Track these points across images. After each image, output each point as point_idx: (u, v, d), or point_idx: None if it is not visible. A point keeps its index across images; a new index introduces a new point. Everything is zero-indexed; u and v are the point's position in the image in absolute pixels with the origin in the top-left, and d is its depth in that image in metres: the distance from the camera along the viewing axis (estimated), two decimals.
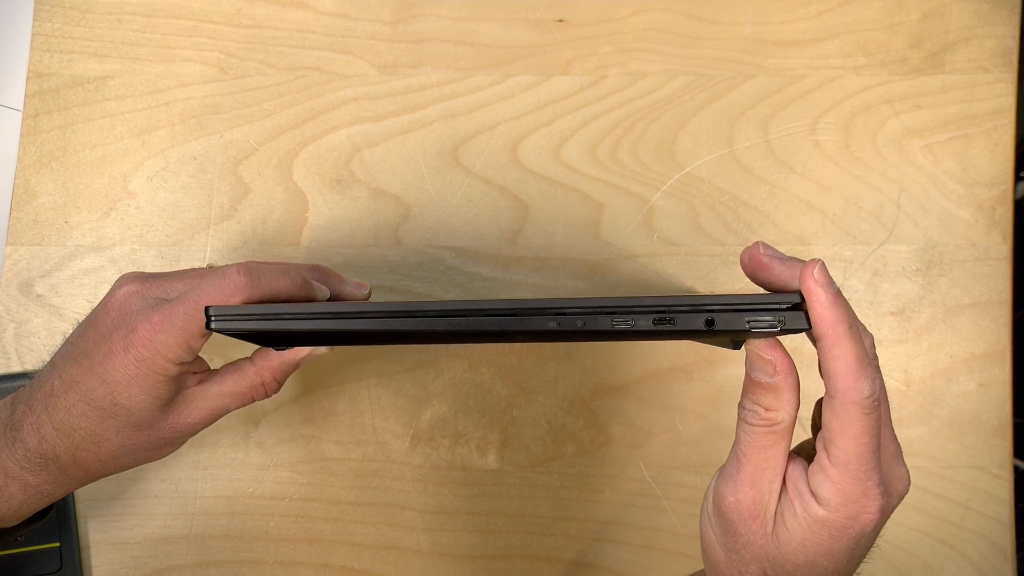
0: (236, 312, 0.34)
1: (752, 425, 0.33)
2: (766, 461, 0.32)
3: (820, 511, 0.31)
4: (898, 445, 0.33)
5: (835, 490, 0.31)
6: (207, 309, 0.34)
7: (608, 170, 0.53)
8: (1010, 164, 0.54)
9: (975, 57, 0.54)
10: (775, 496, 0.33)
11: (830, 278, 0.30)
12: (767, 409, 0.32)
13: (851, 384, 0.29)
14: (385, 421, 0.52)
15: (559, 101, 0.54)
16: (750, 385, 0.33)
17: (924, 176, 0.53)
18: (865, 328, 0.32)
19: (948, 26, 0.54)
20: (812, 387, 0.52)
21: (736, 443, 0.34)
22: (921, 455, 0.53)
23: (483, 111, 0.54)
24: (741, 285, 0.53)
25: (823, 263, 0.30)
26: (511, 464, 0.52)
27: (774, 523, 0.33)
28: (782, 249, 0.53)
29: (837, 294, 0.30)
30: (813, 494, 0.32)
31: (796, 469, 0.33)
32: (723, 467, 0.34)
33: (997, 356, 0.53)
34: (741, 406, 0.33)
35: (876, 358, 0.32)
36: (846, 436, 0.30)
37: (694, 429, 0.53)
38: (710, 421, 0.53)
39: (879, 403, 0.30)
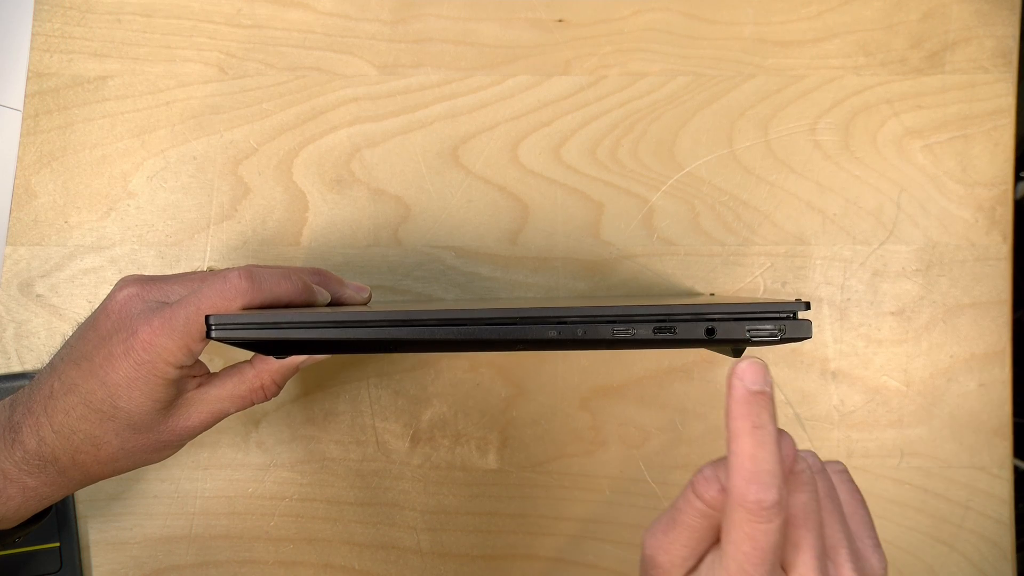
0: (237, 321, 0.34)
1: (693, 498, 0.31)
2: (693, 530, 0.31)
3: None
4: (853, 548, 0.31)
5: None
6: (207, 318, 0.34)
7: (608, 170, 0.53)
8: (1010, 164, 0.54)
9: (975, 57, 0.54)
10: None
11: (760, 376, 0.28)
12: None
13: (739, 485, 0.28)
14: (385, 421, 0.52)
15: (559, 101, 0.54)
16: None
17: (924, 176, 0.53)
18: (787, 436, 0.29)
19: (948, 26, 0.54)
20: (810, 386, 0.53)
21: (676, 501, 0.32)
22: (921, 455, 0.53)
23: (483, 111, 0.54)
24: (740, 286, 0.53)
25: (759, 362, 0.28)
26: (511, 464, 0.52)
27: None
28: (782, 249, 0.54)
29: (755, 393, 0.28)
30: None
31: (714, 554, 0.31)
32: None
33: (997, 356, 0.53)
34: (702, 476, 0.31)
35: (804, 472, 0.30)
36: (728, 538, 0.28)
37: (694, 429, 0.53)
38: (710, 421, 0.53)
39: (773, 515, 0.27)
